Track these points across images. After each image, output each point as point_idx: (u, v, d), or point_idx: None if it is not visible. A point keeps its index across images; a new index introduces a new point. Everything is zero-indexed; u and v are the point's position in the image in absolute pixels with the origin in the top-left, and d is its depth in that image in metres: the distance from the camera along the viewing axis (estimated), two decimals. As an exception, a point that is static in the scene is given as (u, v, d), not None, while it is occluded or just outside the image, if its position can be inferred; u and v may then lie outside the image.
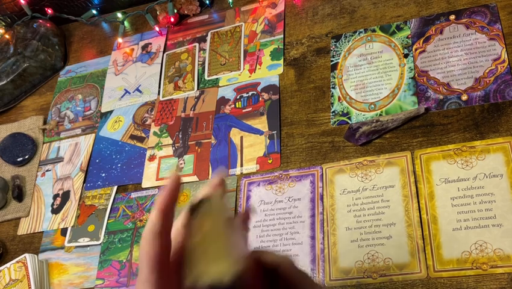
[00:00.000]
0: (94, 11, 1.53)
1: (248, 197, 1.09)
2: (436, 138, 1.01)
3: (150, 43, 1.43)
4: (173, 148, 1.22)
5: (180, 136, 1.23)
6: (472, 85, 1.04)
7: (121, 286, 1.09)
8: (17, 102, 1.49)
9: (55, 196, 1.27)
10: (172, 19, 1.41)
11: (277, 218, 1.05)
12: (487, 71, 1.04)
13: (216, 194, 0.55)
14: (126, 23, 1.50)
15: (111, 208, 1.20)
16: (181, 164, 1.19)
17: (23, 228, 1.26)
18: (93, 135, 1.33)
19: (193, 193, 1.14)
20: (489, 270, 0.86)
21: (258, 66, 1.25)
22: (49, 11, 1.54)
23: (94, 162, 1.28)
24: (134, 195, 1.20)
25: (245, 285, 0.44)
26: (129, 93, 1.36)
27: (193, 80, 1.31)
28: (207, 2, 1.41)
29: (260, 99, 1.20)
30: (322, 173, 1.06)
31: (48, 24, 1.52)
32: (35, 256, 1.14)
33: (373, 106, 1.10)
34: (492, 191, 0.92)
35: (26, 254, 1.11)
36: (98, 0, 1.53)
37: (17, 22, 1.56)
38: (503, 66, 1.03)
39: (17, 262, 1.10)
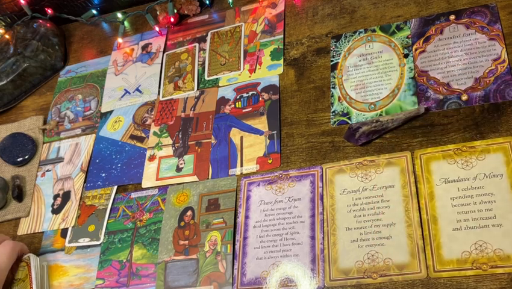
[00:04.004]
0: (94, 11, 1.53)
1: (248, 197, 1.09)
2: (436, 138, 1.01)
3: (150, 43, 1.43)
4: (173, 148, 1.22)
5: (180, 136, 1.23)
6: (472, 85, 1.04)
7: (121, 286, 1.09)
8: (17, 102, 1.49)
9: (56, 196, 1.27)
10: (172, 19, 1.41)
11: (277, 218, 1.05)
12: (486, 71, 1.04)
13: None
14: (126, 23, 1.50)
15: (111, 208, 1.20)
16: (181, 164, 1.19)
17: (23, 228, 1.26)
18: (93, 135, 1.33)
19: (193, 193, 1.14)
20: (489, 270, 0.86)
21: (258, 66, 1.25)
22: (49, 11, 1.54)
23: (95, 162, 1.28)
24: (134, 195, 1.20)
25: None
26: (129, 93, 1.36)
27: (193, 80, 1.31)
28: (207, 2, 1.41)
29: (260, 99, 1.21)
30: (322, 173, 1.06)
31: (48, 25, 1.52)
32: (37, 257, 1.13)
33: (373, 106, 1.10)
34: (492, 191, 0.92)
35: (30, 254, 1.10)
36: (98, 0, 1.53)
37: (17, 22, 1.56)
38: (503, 66, 1.03)
39: (20, 261, 1.10)
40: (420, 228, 0.94)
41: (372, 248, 0.95)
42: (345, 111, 1.12)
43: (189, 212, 1.12)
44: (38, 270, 1.09)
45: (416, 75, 1.09)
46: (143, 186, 1.20)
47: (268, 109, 1.18)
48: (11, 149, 1.35)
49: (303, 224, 1.02)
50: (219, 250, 1.05)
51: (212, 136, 1.20)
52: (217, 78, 1.29)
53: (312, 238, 1.00)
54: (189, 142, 1.21)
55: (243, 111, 1.21)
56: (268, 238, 1.03)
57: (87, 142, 1.32)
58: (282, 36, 1.27)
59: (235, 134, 1.18)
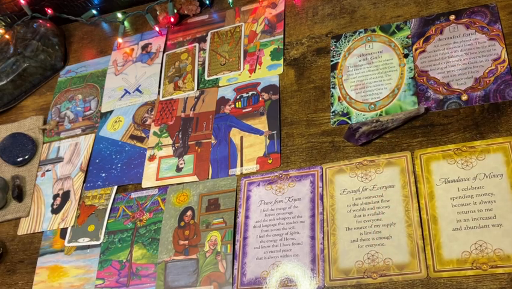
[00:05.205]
0: (94, 11, 1.53)
1: (248, 197, 1.09)
2: (436, 138, 1.01)
3: (150, 43, 1.43)
4: (173, 148, 1.22)
5: (180, 136, 1.23)
6: (472, 85, 1.04)
7: (121, 286, 1.09)
8: (17, 102, 1.49)
9: (55, 196, 1.27)
10: (172, 19, 1.41)
11: (277, 218, 1.05)
12: (486, 71, 1.04)
13: None
14: (126, 23, 1.50)
15: (111, 208, 1.20)
16: (181, 164, 1.19)
17: (23, 228, 1.26)
18: (93, 135, 1.33)
19: (193, 193, 1.14)
20: (489, 270, 0.86)
21: (258, 66, 1.25)
22: (49, 11, 1.54)
23: (94, 162, 1.28)
24: (134, 195, 1.20)
25: None
26: (129, 93, 1.36)
27: (193, 80, 1.31)
28: (207, 2, 1.41)
29: (260, 99, 1.21)
30: (322, 173, 1.06)
31: (48, 25, 1.52)
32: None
33: (373, 106, 1.10)
34: (492, 191, 0.92)
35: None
36: (98, 0, 1.53)
37: (17, 22, 1.56)
38: (503, 66, 1.03)
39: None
40: (420, 228, 0.94)
41: (372, 248, 0.95)
42: (345, 111, 1.12)
43: (189, 212, 1.12)
44: None
45: (416, 75, 1.09)
46: (143, 186, 1.20)
47: (268, 109, 1.18)
48: (11, 149, 1.35)
49: (303, 224, 1.02)
50: (219, 250, 1.05)
51: (212, 136, 1.20)
52: (217, 78, 1.29)
53: (312, 238, 1.00)
54: (189, 143, 1.21)
55: (243, 111, 1.21)
56: (268, 238, 1.03)
57: (86, 142, 1.32)
58: (282, 36, 1.27)
59: (235, 134, 1.18)
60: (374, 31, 1.19)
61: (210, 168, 1.16)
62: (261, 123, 1.17)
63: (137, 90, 1.36)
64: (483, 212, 0.91)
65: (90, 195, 1.24)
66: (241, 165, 1.14)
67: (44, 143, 1.38)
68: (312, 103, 1.16)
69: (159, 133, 1.26)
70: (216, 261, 1.04)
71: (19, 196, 1.29)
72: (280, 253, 1.01)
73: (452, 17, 1.13)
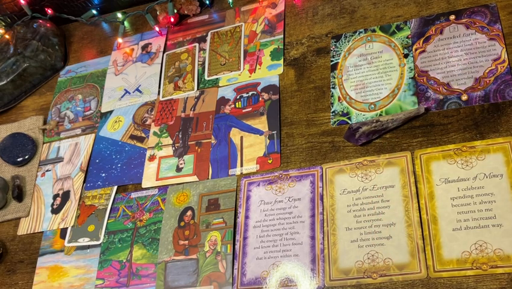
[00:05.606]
0: (94, 11, 1.53)
1: (248, 197, 1.09)
2: (436, 138, 1.01)
3: (150, 43, 1.43)
4: (173, 148, 1.22)
5: (180, 136, 1.23)
6: (472, 85, 1.04)
7: (121, 286, 1.09)
8: (17, 102, 1.49)
9: (55, 196, 1.27)
10: (172, 19, 1.41)
11: (277, 218, 1.05)
12: (486, 71, 1.04)
13: None
14: (126, 23, 1.50)
15: (111, 208, 1.20)
16: (181, 164, 1.19)
17: (23, 228, 1.26)
18: (93, 135, 1.33)
19: (193, 193, 1.14)
20: (489, 270, 0.86)
21: (258, 66, 1.25)
22: (49, 11, 1.54)
23: (94, 162, 1.28)
24: (133, 195, 1.20)
25: None
26: (129, 93, 1.36)
27: (193, 80, 1.31)
28: (207, 2, 1.41)
29: (260, 99, 1.21)
30: (322, 173, 1.06)
31: (48, 25, 1.52)
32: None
33: (373, 106, 1.10)
34: (492, 191, 0.92)
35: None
36: (98, 0, 1.53)
37: (17, 22, 1.56)
38: (503, 66, 1.03)
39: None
40: (420, 228, 0.94)
41: (372, 248, 0.95)
42: (345, 111, 1.12)
43: (189, 212, 1.12)
44: None
45: (416, 75, 1.09)
46: (143, 186, 1.20)
47: (268, 109, 1.18)
48: (11, 149, 1.35)
49: (303, 224, 1.02)
50: (219, 250, 1.05)
51: (212, 136, 1.20)
52: (217, 78, 1.29)
53: (312, 238, 1.00)
54: (189, 143, 1.21)
55: (243, 111, 1.21)
56: (268, 238, 1.03)
57: (86, 142, 1.32)
58: (282, 36, 1.27)
59: (235, 134, 1.18)
60: (374, 30, 1.19)
61: (210, 168, 1.16)
62: (261, 123, 1.17)
63: (137, 90, 1.36)
64: (483, 212, 0.91)
65: (90, 195, 1.24)
66: (241, 165, 1.14)
67: (44, 143, 1.38)
68: (312, 103, 1.16)
69: (159, 133, 1.26)
70: (216, 261, 1.04)
71: (19, 196, 1.29)
72: (280, 253, 1.01)
73: (452, 17, 1.13)
